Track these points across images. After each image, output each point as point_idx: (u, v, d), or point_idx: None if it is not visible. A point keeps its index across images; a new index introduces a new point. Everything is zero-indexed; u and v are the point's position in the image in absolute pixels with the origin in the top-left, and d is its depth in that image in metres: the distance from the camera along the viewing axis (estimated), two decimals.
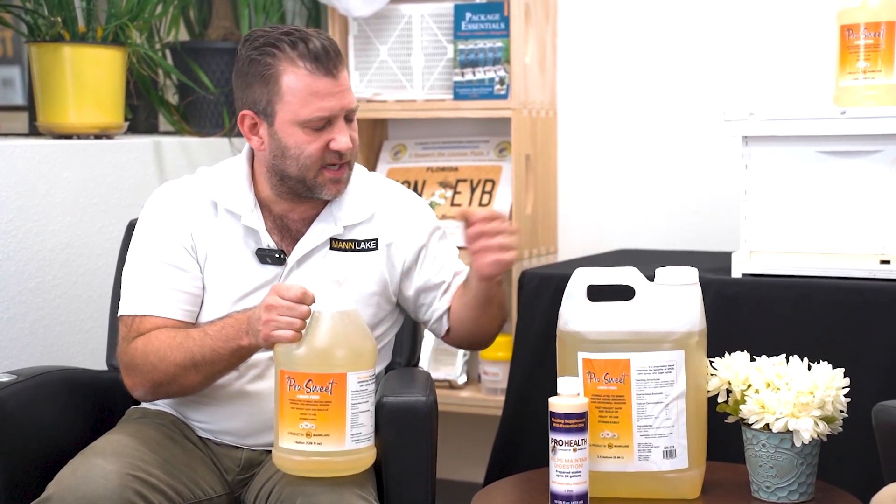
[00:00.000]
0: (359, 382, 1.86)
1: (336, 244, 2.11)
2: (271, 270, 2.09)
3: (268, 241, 2.09)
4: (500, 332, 2.24)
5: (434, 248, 2.19)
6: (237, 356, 1.98)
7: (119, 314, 2.10)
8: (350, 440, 1.86)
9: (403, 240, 2.16)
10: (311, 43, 2.00)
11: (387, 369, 2.24)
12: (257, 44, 2.03)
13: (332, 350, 1.86)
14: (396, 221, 2.16)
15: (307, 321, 1.87)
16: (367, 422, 1.88)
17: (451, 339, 2.22)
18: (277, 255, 2.08)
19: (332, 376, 1.84)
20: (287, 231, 2.11)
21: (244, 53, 2.05)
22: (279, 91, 2.01)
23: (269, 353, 1.99)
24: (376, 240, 2.14)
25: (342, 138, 2.03)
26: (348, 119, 2.06)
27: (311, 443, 1.85)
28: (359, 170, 2.18)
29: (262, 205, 2.11)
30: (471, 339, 2.23)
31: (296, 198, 2.09)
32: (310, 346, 1.86)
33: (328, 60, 2.01)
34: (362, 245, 2.12)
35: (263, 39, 2.03)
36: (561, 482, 1.82)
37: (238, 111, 2.08)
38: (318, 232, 2.10)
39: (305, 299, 1.87)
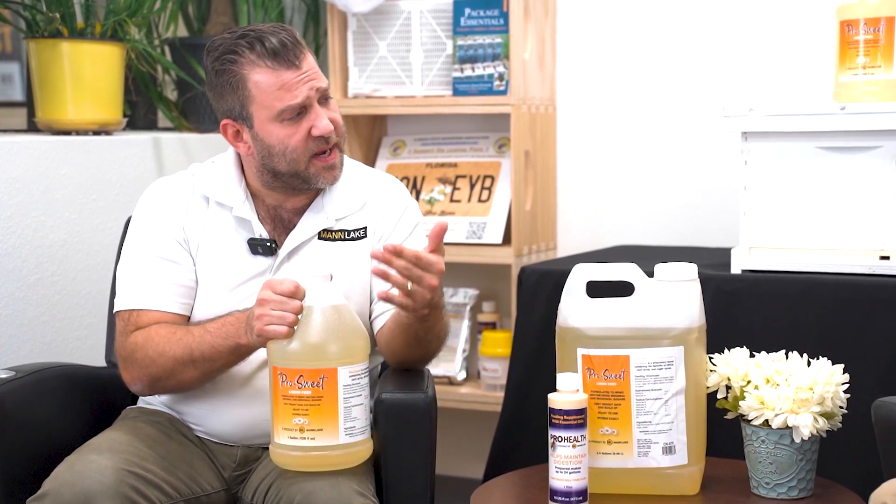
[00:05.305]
0: (350, 377, 1.86)
1: (325, 234, 2.11)
2: (263, 262, 2.08)
3: (260, 231, 2.09)
4: (421, 362, 2.13)
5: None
6: (236, 354, 1.98)
7: (115, 309, 2.10)
8: (344, 434, 1.86)
9: (386, 231, 2.14)
10: (268, 41, 2.01)
11: (384, 365, 2.23)
12: (218, 53, 2.04)
13: (323, 345, 1.86)
14: (384, 211, 2.15)
15: (299, 316, 1.87)
16: (361, 415, 1.88)
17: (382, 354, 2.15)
18: (269, 245, 2.08)
19: (322, 371, 1.85)
20: (280, 221, 2.11)
21: (209, 65, 2.06)
22: (249, 94, 2.02)
23: (260, 358, 2.00)
24: (365, 228, 2.13)
25: (321, 122, 2.03)
26: (323, 100, 2.06)
27: (304, 438, 1.85)
28: (347, 161, 2.18)
29: (255, 195, 2.12)
30: (395, 363, 2.13)
31: (291, 190, 2.09)
32: (300, 341, 1.87)
33: (287, 52, 2.01)
34: (352, 234, 2.12)
35: (223, 48, 2.04)
36: (560, 478, 1.82)
37: (219, 122, 2.09)
38: (310, 224, 2.10)
39: (297, 293, 1.88)
